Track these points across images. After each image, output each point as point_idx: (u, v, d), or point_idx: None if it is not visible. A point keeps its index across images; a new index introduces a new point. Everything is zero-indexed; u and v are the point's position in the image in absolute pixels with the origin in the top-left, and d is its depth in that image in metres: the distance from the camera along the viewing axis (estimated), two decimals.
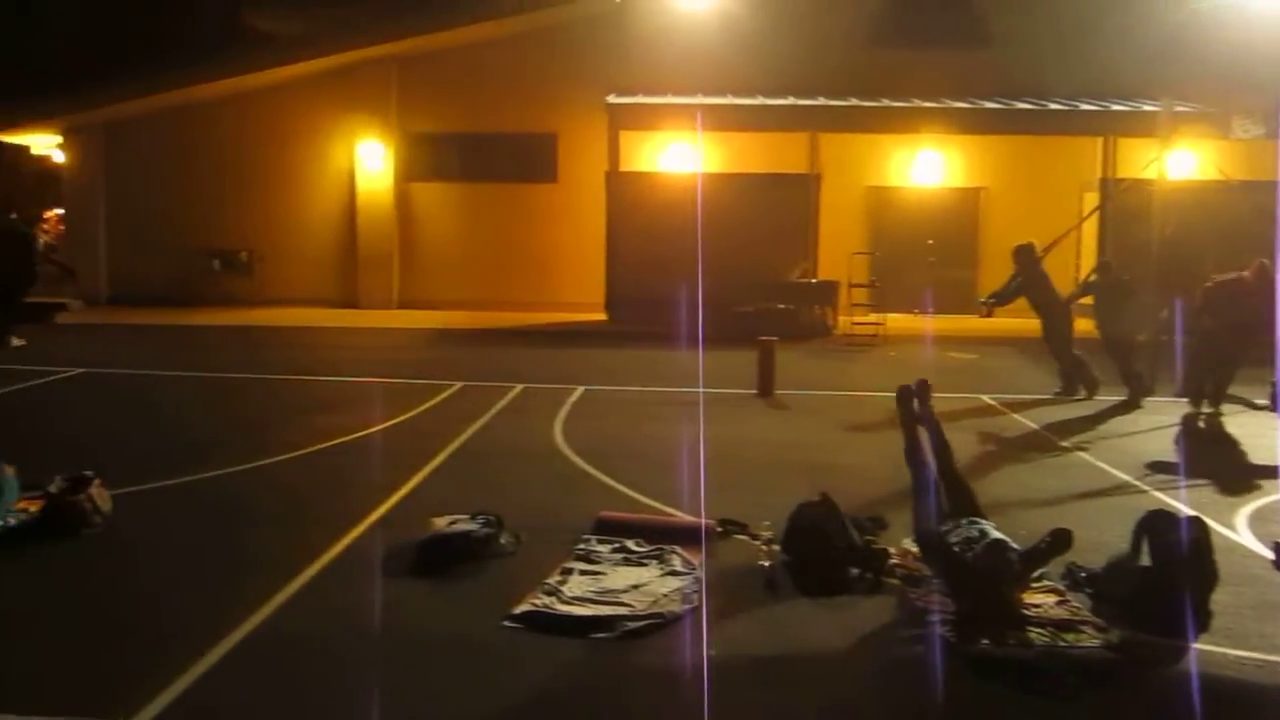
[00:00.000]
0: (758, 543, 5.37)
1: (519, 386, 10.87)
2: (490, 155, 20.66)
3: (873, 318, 15.55)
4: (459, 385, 10.95)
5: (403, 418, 9.22)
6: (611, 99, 18.04)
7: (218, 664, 4.06)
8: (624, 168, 18.11)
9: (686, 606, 4.64)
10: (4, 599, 4.80)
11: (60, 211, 26.23)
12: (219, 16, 25.83)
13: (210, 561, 5.35)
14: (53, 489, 5.88)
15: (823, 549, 5.08)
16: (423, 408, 9.72)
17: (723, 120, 18.20)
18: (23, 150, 27.65)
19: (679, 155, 19.31)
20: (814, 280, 16.92)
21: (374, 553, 5.39)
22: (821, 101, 18.15)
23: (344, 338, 16.02)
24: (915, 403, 5.58)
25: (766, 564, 5.10)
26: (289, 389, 11.13)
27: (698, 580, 4.92)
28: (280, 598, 4.74)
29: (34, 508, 5.95)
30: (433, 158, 20.77)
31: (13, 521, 5.85)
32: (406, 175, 20.65)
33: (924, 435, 5.43)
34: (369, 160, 20.47)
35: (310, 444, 8.06)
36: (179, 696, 3.79)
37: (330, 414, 9.45)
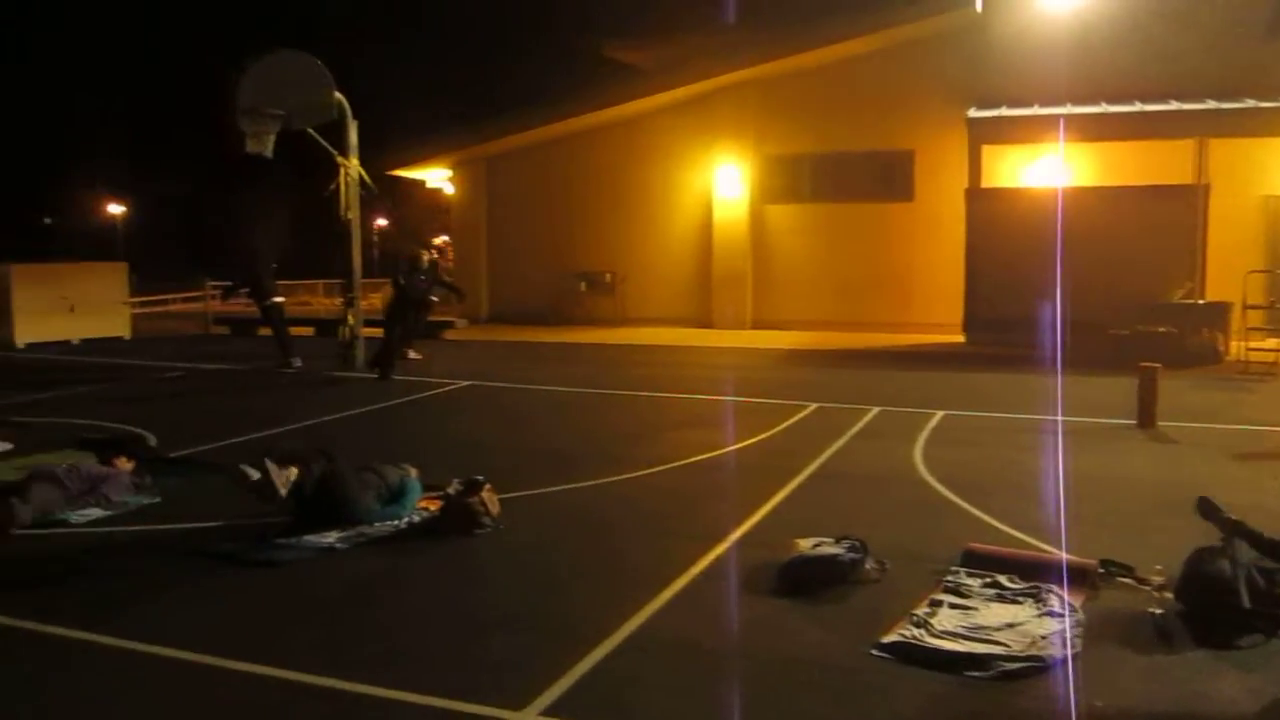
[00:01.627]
0: (1147, 588, 4.94)
1: (875, 409, 10.71)
2: (845, 175, 20.59)
3: (1272, 343, 13.92)
4: (814, 406, 10.95)
5: (759, 437, 9.33)
6: (972, 113, 17.43)
7: (599, 664, 4.28)
8: (985, 184, 17.41)
9: (1067, 651, 4.35)
10: (408, 590, 5.32)
11: (446, 238, 28.99)
12: (586, 53, 27.51)
13: (588, 566, 5.66)
14: (450, 491, 6.47)
15: (1226, 599, 4.59)
16: (779, 428, 9.79)
17: (1094, 130, 17.10)
18: (418, 184, 30.80)
19: (1045, 169, 18.31)
20: (1201, 301, 15.44)
21: (739, 569, 5.49)
22: (1210, 105, 16.56)
23: (699, 356, 16.49)
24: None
25: (1158, 612, 4.69)
26: (650, 405, 11.61)
27: (1079, 624, 4.60)
28: (652, 607, 4.92)
29: (433, 507, 6.57)
30: (788, 179, 21.00)
31: (416, 519, 6.50)
32: (762, 197, 21.00)
33: None
34: (726, 183, 21.03)
35: (672, 459, 8.35)
36: (566, 692, 4.02)
37: (689, 430, 9.75)
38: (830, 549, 5.34)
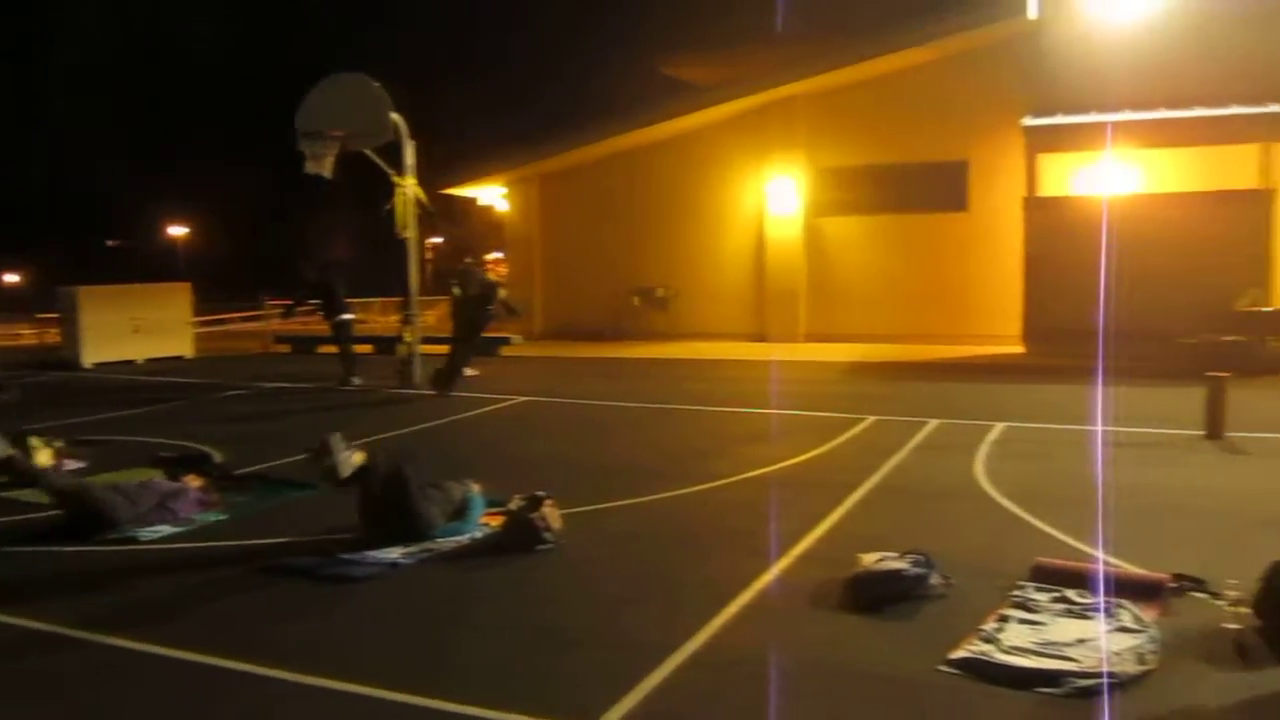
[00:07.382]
0: (1221, 603, 4.85)
1: (934, 422, 10.61)
2: (899, 186, 20.49)
3: None
4: (871, 419, 10.88)
5: (816, 451, 9.29)
6: (1027, 121, 17.22)
7: (667, 679, 4.28)
8: (1040, 192, 17.22)
9: (1142, 667, 4.28)
10: (475, 606, 5.36)
11: (499, 255, 29.17)
12: (642, 72, 27.63)
13: (650, 581, 5.66)
14: (513, 506, 6.51)
15: None
16: (836, 442, 9.74)
17: (1154, 136, 16.78)
18: (470, 202, 31.09)
19: (1103, 176, 18.05)
20: (1267, 309, 15.11)
21: (802, 585, 5.46)
22: (1275, 109, 16.22)
23: (755, 370, 16.43)
24: None
25: (1235, 627, 4.59)
26: (706, 419, 11.60)
27: (1154, 639, 4.52)
28: (716, 623, 4.92)
29: (495, 523, 6.62)
30: (841, 191, 20.93)
31: (478, 534, 6.55)
32: (815, 210, 20.95)
33: None
34: (778, 197, 20.99)
35: (730, 474, 8.34)
36: (637, 705, 4.03)
37: (746, 445, 9.73)
38: (895, 564, 5.30)
